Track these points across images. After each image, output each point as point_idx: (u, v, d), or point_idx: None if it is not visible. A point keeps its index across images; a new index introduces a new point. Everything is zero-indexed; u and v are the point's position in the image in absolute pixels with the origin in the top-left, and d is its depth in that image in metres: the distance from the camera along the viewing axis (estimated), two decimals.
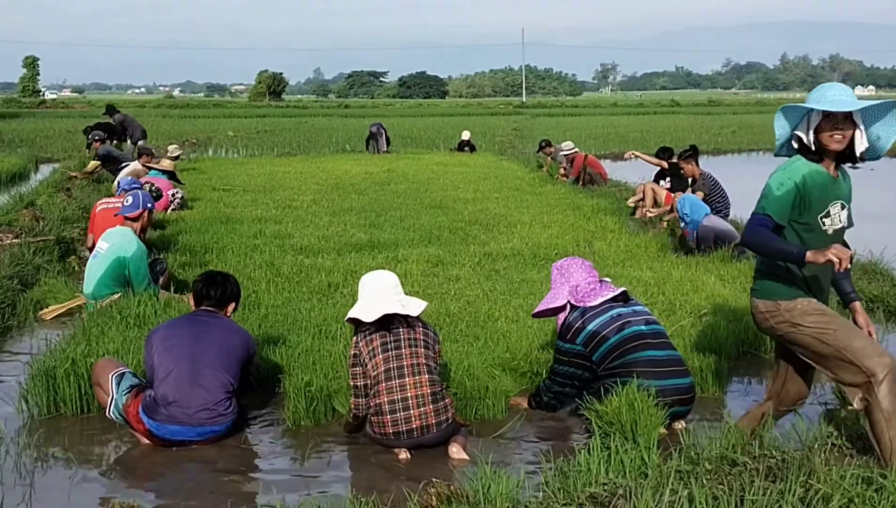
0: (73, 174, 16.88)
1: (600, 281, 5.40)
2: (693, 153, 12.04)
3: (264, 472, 4.66)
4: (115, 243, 7.36)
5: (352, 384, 4.87)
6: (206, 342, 4.99)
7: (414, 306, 4.93)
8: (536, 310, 5.54)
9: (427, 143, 28.85)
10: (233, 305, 5.41)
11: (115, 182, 13.08)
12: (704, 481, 3.95)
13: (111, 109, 23.61)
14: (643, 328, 5.14)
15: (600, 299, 5.23)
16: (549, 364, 5.43)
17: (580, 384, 5.18)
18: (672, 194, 12.23)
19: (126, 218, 7.70)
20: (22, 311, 7.54)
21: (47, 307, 7.52)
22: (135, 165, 14.41)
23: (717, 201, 11.23)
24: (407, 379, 4.71)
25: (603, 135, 32.34)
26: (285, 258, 9.16)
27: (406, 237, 10.49)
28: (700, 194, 11.27)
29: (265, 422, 5.30)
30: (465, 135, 26.14)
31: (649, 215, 12.42)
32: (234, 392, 5.01)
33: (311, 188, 15.54)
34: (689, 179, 12.15)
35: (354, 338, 4.88)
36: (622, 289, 5.39)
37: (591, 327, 5.13)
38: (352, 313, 4.90)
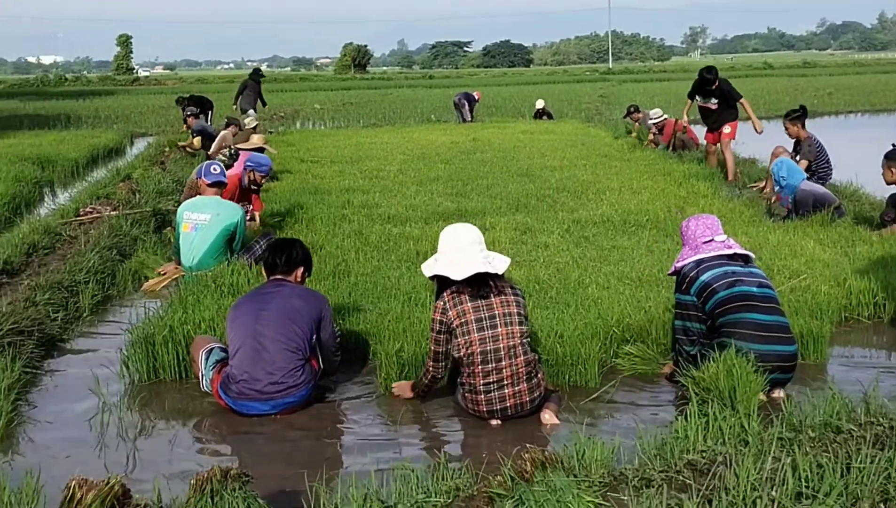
0: (181, 144, 17.52)
1: (723, 240, 5.26)
2: (801, 114, 11.61)
3: (357, 437, 4.69)
4: (217, 213, 7.50)
5: (432, 348, 4.73)
6: (267, 316, 4.92)
7: (500, 263, 4.72)
8: (670, 271, 5.43)
9: (512, 111, 28.62)
10: (301, 269, 5.27)
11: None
12: (808, 448, 3.83)
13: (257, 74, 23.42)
14: (754, 289, 5.00)
15: (716, 253, 5.11)
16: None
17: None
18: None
19: (209, 185, 7.87)
20: (121, 280, 7.73)
21: (148, 281, 7.69)
22: (224, 134, 14.66)
23: (822, 167, 10.87)
24: (504, 362, 4.62)
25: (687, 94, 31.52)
26: (373, 228, 9.19)
27: (493, 205, 10.43)
28: (804, 163, 10.91)
29: (358, 389, 5.33)
30: (539, 103, 25.64)
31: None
32: (308, 359, 4.95)
33: (397, 158, 15.56)
34: (794, 142, 11.75)
35: (440, 301, 4.68)
36: (746, 251, 5.25)
37: (703, 277, 5.02)
38: (438, 270, 4.69)
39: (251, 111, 20.59)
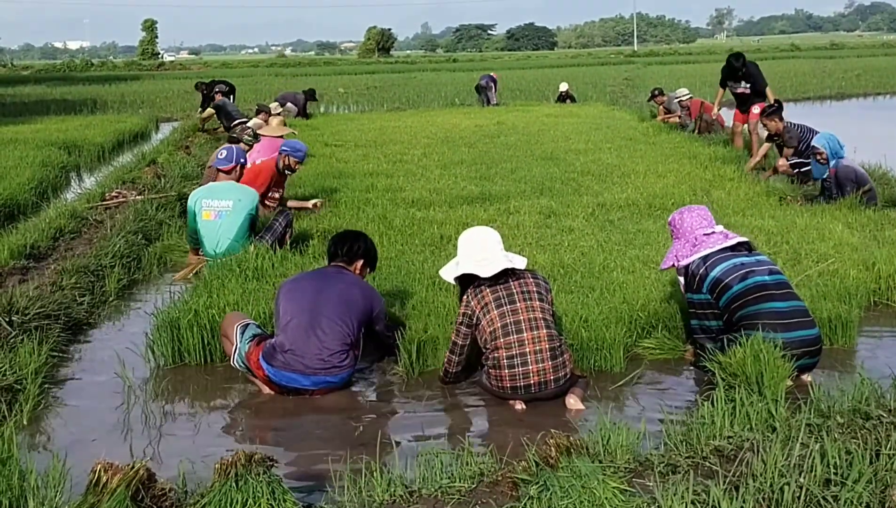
0: (199, 116, 18.26)
1: (721, 231, 5.21)
2: (777, 108, 11.46)
3: (383, 421, 4.69)
4: (238, 200, 7.52)
5: (452, 338, 4.85)
6: (327, 294, 5.02)
7: (519, 262, 4.87)
8: (662, 265, 5.40)
9: (536, 94, 28.51)
10: (361, 262, 5.35)
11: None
12: (837, 435, 3.79)
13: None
14: (766, 278, 4.95)
15: (720, 246, 5.06)
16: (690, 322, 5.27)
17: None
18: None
19: (220, 170, 7.88)
20: (147, 265, 7.77)
21: (178, 273, 7.71)
22: (255, 122, 14.67)
23: (809, 139, 10.65)
24: (525, 334, 4.65)
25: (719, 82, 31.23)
26: (397, 212, 9.18)
27: (517, 189, 10.38)
28: (790, 151, 10.75)
29: (383, 372, 5.33)
30: (563, 87, 25.52)
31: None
32: (353, 346, 5.02)
33: (421, 142, 15.53)
34: (767, 136, 11.59)
35: (465, 297, 4.82)
36: (744, 239, 5.20)
37: (714, 273, 4.97)
38: (467, 270, 4.81)
39: (273, 104, 20.47)
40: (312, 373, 4.89)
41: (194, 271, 7.52)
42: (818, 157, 9.11)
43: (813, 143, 9.40)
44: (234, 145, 8.39)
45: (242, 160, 8.12)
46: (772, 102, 12.62)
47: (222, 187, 7.70)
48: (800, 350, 4.77)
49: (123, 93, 31.92)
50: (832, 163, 9.04)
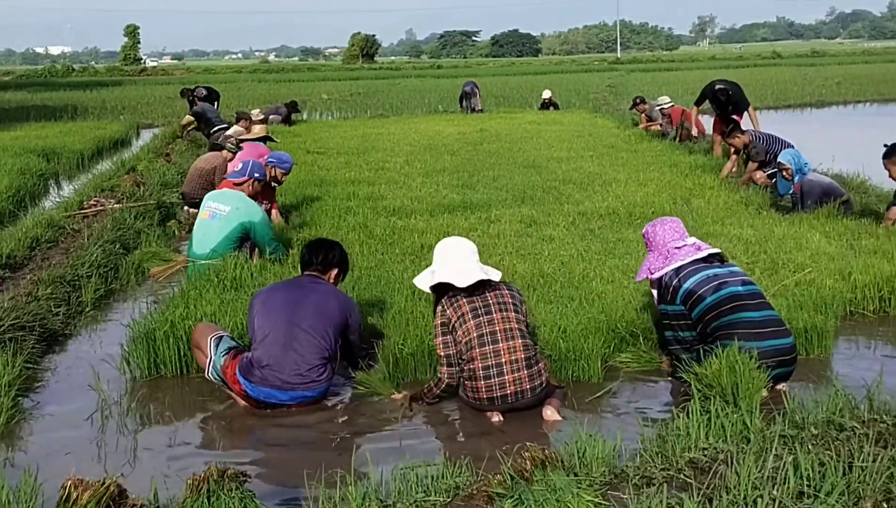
0: (181, 123, 18.01)
1: (694, 243, 5.23)
2: (733, 127, 11.55)
3: (358, 434, 4.67)
4: (237, 208, 7.42)
5: (441, 353, 4.79)
6: (304, 307, 4.99)
7: (494, 275, 4.88)
8: (637, 278, 5.42)
9: (520, 101, 28.55)
10: (335, 271, 5.34)
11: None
12: (810, 446, 3.80)
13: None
14: (740, 288, 4.97)
15: (691, 258, 5.08)
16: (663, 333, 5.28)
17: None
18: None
19: (234, 183, 7.84)
20: (124, 274, 7.72)
21: (155, 268, 7.72)
22: (236, 129, 14.60)
23: (778, 150, 10.71)
24: (501, 345, 4.65)
25: (701, 90, 31.37)
26: (378, 220, 9.16)
27: (499, 197, 10.39)
28: (753, 165, 10.79)
29: (358, 384, 5.30)
30: (546, 94, 25.56)
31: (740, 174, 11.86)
32: (331, 358, 5.00)
33: (403, 149, 15.52)
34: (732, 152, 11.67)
35: (439, 306, 4.80)
36: (716, 250, 5.22)
37: (687, 285, 4.99)
38: (444, 278, 4.80)
39: (255, 110, 20.44)
40: (290, 388, 4.86)
41: (174, 270, 7.54)
42: (783, 172, 9.23)
43: (779, 159, 9.49)
44: (251, 159, 8.31)
45: (257, 174, 8.00)
46: (755, 125, 12.71)
47: (230, 194, 7.63)
48: (775, 359, 4.79)
49: (104, 99, 31.79)
50: (797, 179, 9.15)
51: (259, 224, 7.43)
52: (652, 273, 5.20)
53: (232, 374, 4.92)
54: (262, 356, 4.88)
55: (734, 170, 11.63)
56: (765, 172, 10.45)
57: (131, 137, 20.78)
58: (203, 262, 7.17)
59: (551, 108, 24.71)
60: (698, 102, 14.21)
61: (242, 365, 4.90)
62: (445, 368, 4.79)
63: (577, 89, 32.86)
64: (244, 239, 7.42)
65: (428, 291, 4.99)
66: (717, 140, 13.83)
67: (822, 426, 4.06)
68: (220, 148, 10.92)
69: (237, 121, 15.35)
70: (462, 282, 4.75)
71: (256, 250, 7.45)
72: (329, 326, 4.99)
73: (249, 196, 7.74)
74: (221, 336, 5.12)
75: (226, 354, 5.00)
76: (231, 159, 10.42)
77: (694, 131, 15.24)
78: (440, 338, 4.77)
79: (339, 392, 5.19)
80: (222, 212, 7.42)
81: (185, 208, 10.37)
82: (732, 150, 11.62)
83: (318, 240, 5.61)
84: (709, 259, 5.13)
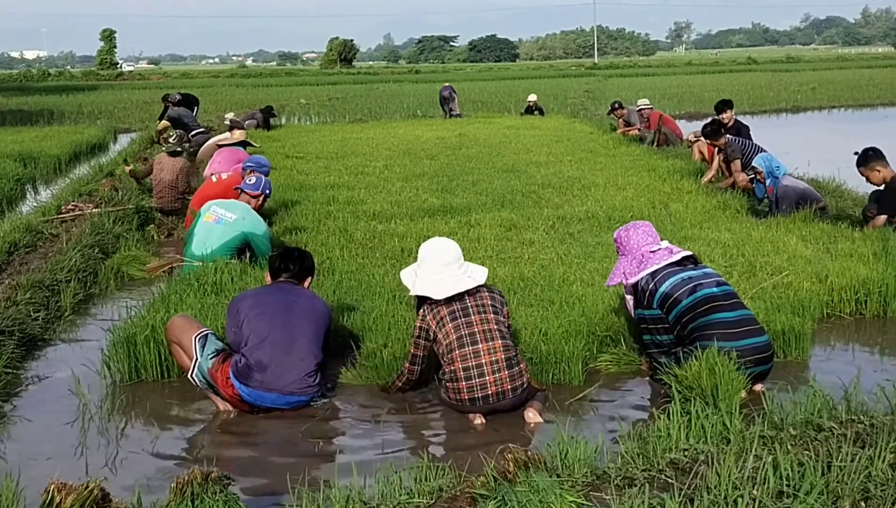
0: (157, 129, 17.81)
1: (667, 247, 5.28)
2: (717, 127, 11.55)
3: (341, 436, 4.68)
4: (243, 218, 7.52)
5: (412, 351, 4.88)
6: (298, 311, 4.99)
7: (479, 275, 4.91)
8: (609, 282, 5.46)
9: (498, 106, 28.60)
10: (309, 279, 5.40)
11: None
12: (789, 447, 3.84)
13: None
14: (715, 290, 5.03)
15: (666, 262, 5.13)
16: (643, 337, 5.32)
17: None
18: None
19: (243, 192, 7.98)
20: (103, 279, 7.69)
21: (151, 264, 7.90)
22: (217, 139, 14.55)
23: (750, 157, 10.80)
24: (480, 345, 4.68)
25: (677, 95, 31.66)
26: (358, 225, 9.17)
27: (479, 202, 10.41)
28: (737, 164, 10.86)
29: (341, 386, 5.31)
30: (532, 98, 25.53)
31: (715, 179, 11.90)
32: (323, 363, 5.04)
33: (382, 154, 15.53)
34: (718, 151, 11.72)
35: (420, 312, 4.87)
36: (689, 253, 5.27)
37: (663, 288, 5.04)
38: (421, 291, 4.85)
39: (229, 114, 20.37)
40: (290, 393, 4.86)
41: (168, 267, 7.65)
42: (757, 176, 9.33)
43: (753, 163, 9.59)
44: (263, 176, 8.39)
45: (268, 191, 8.22)
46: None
47: (237, 204, 7.72)
48: (752, 358, 4.85)
49: (81, 103, 31.58)
50: (768, 182, 9.26)
51: (261, 237, 7.56)
52: (627, 278, 5.25)
53: (224, 378, 4.86)
54: (262, 359, 4.83)
55: (714, 176, 11.69)
56: (748, 174, 10.54)
57: (109, 141, 20.70)
58: (198, 263, 7.19)
59: (536, 112, 24.60)
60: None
61: (239, 370, 4.83)
62: (409, 364, 4.93)
63: (555, 94, 32.97)
64: (242, 250, 7.47)
65: (411, 293, 5.02)
66: (694, 147, 13.86)
67: (801, 426, 4.10)
68: (178, 154, 10.93)
69: (230, 130, 15.27)
70: (440, 294, 4.80)
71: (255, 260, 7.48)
72: (320, 330, 5.03)
73: (254, 209, 7.89)
74: (206, 335, 5.05)
75: (214, 357, 4.94)
76: (190, 166, 10.80)
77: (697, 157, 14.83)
78: (415, 339, 4.87)
79: (321, 395, 5.19)
80: (228, 219, 7.51)
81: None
82: (716, 150, 11.63)
83: (288, 250, 5.61)
84: (682, 262, 5.18)
